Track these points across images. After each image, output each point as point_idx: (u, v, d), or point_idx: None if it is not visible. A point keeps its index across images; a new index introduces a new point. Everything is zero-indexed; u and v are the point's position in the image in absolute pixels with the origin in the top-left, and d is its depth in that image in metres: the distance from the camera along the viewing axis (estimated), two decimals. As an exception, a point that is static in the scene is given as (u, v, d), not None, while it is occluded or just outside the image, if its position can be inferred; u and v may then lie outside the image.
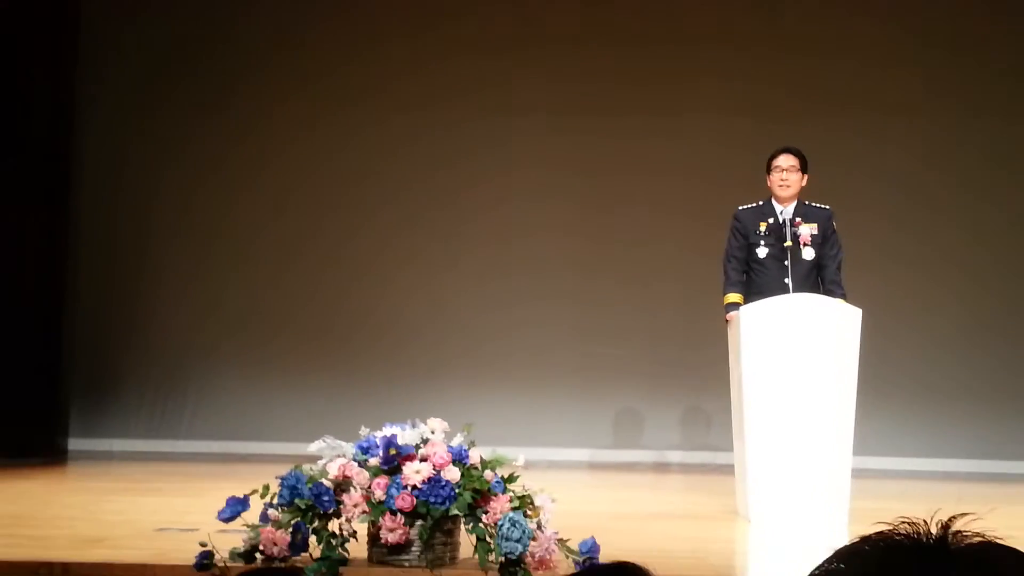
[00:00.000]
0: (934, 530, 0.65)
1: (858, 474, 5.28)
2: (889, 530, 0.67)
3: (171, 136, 8.55)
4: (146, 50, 8.61)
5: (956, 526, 0.65)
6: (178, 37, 8.59)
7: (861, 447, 5.27)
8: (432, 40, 8.50)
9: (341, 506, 3.47)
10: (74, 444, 8.39)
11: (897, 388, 7.78)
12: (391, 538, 3.44)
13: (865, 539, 0.67)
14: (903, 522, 0.67)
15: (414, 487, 3.43)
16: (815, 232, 5.47)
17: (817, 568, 0.67)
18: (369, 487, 3.47)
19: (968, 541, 0.64)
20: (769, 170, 5.57)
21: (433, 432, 3.59)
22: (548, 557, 3.44)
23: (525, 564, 3.42)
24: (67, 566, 3.60)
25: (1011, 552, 0.63)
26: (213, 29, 8.62)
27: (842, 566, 0.65)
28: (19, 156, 8.00)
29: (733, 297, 5.44)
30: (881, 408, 6.99)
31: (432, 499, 3.42)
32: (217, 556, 3.46)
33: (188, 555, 3.49)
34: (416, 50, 8.51)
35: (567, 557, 3.46)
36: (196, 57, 8.59)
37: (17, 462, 7.47)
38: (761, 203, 5.57)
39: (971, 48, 8.43)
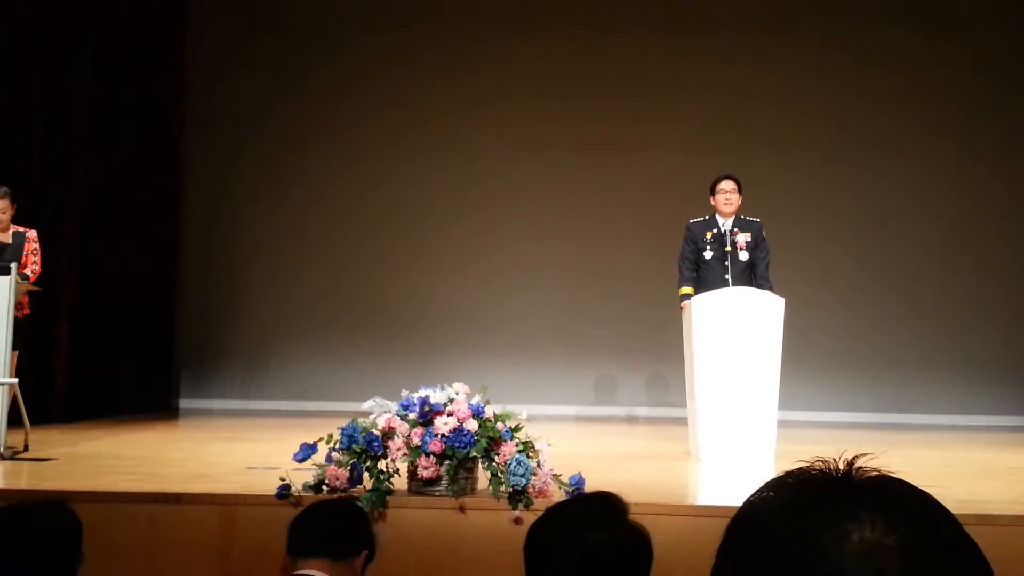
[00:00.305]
0: (841, 466, 0.66)
1: (783, 424, 5.27)
2: (807, 466, 0.68)
3: (262, 156, 8.51)
4: (248, 80, 8.55)
5: (858, 463, 0.66)
6: (275, 69, 8.57)
7: (785, 403, 5.28)
8: (465, 92, 8.46)
9: (387, 450, 3.50)
10: (184, 403, 8.41)
11: (813, 357, 7.76)
12: (425, 474, 3.47)
13: (788, 473, 0.67)
14: (818, 460, 0.68)
15: (443, 435, 3.46)
16: (749, 239, 5.47)
17: (751, 495, 0.68)
18: (409, 435, 3.50)
19: (867, 474, 0.65)
20: (714, 192, 5.55)
21: (457, 393, 3.61)
22: (545, 488, 3.46)
23: (528, 493, 3.45)
24: (179, 495, 3.63)
25: (900, 481, 0.65)
26: (303, 60, 8.56)
27: (771, 494, 0.66)
28: (139, 167, 7.97)
29: (686, 289, 5.43)
30: (801, 372, 6.97)
31: (457, 444, 3.44)
32: (293, 488, 3.50)
33: (271, 487, 3.52)
34: (447, 100, 8.48)
35: (560, 488, 3.49)
36: (287, 88, 8.54)
37: (141, 417, 7.49)
38: (707, 217, 5.57)
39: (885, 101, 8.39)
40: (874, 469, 0.65)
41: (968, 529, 0.65)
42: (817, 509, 0.61)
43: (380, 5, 8.54)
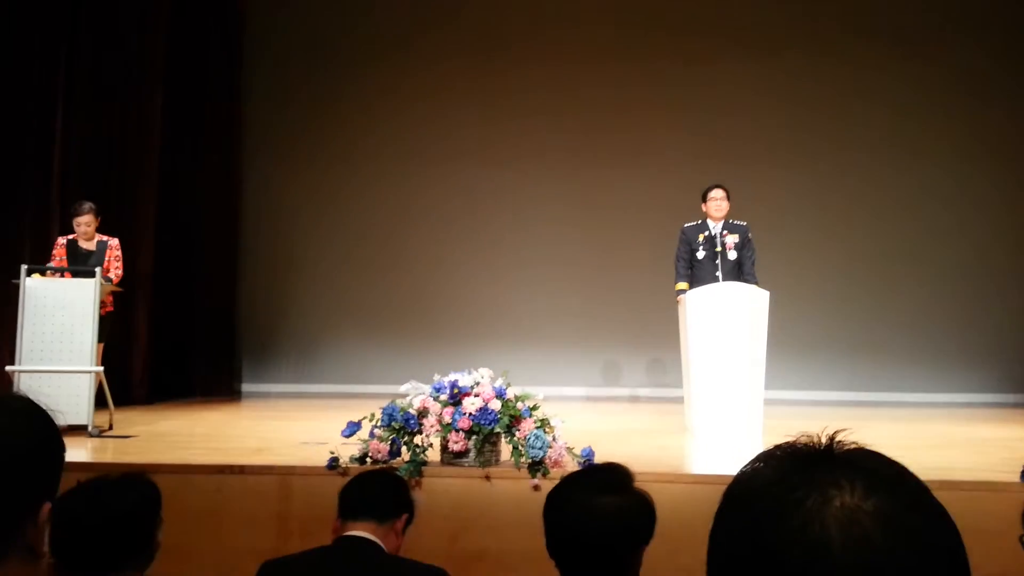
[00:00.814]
0: (824, 440, 0.66)
1: (769, 403, 5.24)
2: (793, 440, 0.67)
3: (312, 167, 8.54)
4: (297, 97, 8.58)
5: (839, 437, 0.66)
6: (322, 89, 8.58)
7: (771, 383, 5.25)
8: (494, 110, 8.45)
9: (422, 427, 3.52)
10: (245, 387, 8.44)
11: (797, 342, 7.71)
12: (455, 447, 3.49)
13: (777, 446, 0.67)
14: (803, 435, 0.67)
15: (470, 414, 3.47)
16: (737, 241, 5.45)
17: (744, 466, 0.68)
18: (440, 414, 3.51)
19: (847, 447, 0.65)
20: (705, 199, 5.53)
21: (482, 377, 3.63)
22: (560, 459, 3.47)
23: (545, 464, 3.45)
24: (242, 467, 3.65)
25: (876, 453, 0.65)
26: (348, 83, 8.58)
27: (761, 465, 0.66)
28: (203, 179, 8.04)
29: (682, 285, 5.43)
30: (786, 355, 6.95)
31: (482, 421, 3.46)
32: (341, 460, 3.52)
33: (321, 460, 3.55)
34: (478, 116, 8.49)
35: (573, 459, 3.49)
36: (334, 107, 8.55)
37: (208, 399, 7.58)
38: (700, 221, 5.55)
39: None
40: (853, 442, 0.65)
41: (935, 494, 0.65)
42: (802, 478, 0.61)
43: (414, 39, 8.55)
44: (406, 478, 3.34)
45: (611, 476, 1.50)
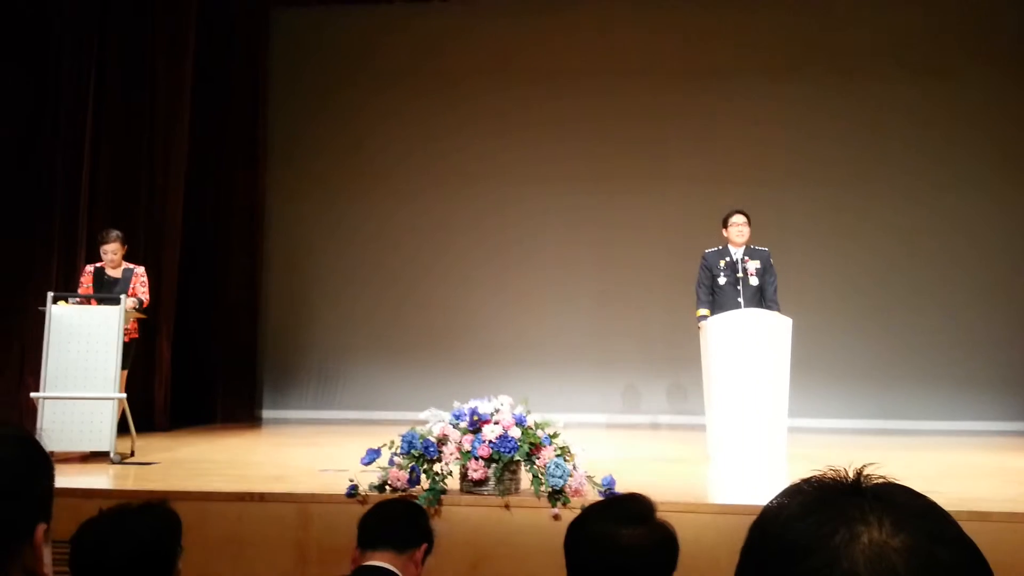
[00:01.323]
0: (851, 474, 0.65)
1: (793, 430, 5.18)
2: (820, 474, 0.66)
3: (332, 196, 8.63)
4: (326, 115, 8.68)
5: (866, 471, 0.65)
6: (342, 117, 8.66)
7: (796, 411, 5.19)
8: (508, 133, 8.50)
9: (442, 454, 3.50)
10: (266, 413, 8.45)
11: (822, 368, 7.61)
12: (475, 476, 3.46)
13: (804, 480, 0.66)
14: (829, 468, 0.67)
15: (490, 441, 3.45)
16: (759, 267, 5.41)
17: (771, 500, 0.67)
18: (460, 442, 3.50)
19: (874, 481, 0.64)
20: (726, 225, 5.51)
21: (502, 404, 3.61)
22: (581, 488, 3.43)
23: (565, 492, 3.42)
24: (263, 495, 3.65)
25: (904, 487, 0.64)
26: (364, 110, 8.66)
27: (788, 499, 0.65)
28: (224, 207, 8.14)
29: (703, 311, 5.38)
30: (811, 382, 6.86)
31: (502, 449, 3.44)
32: (360, 488, 3.51)
33: (341, 487, 3.55)
34: (491, 140, 8.55)
35: (593, 488, 3.46)
36: (353, 137, 8.63)
37: (229, 425, 7.60)
38: (721, 248, 5.52)
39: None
40: (880, 476, 0.64)
41: (964, 525, 0.64)
42: (830, 513, 0.60)
43: (433, 60, 8.64)
44: (425, 507, 3.32)
45: (633, 507, 1.48)
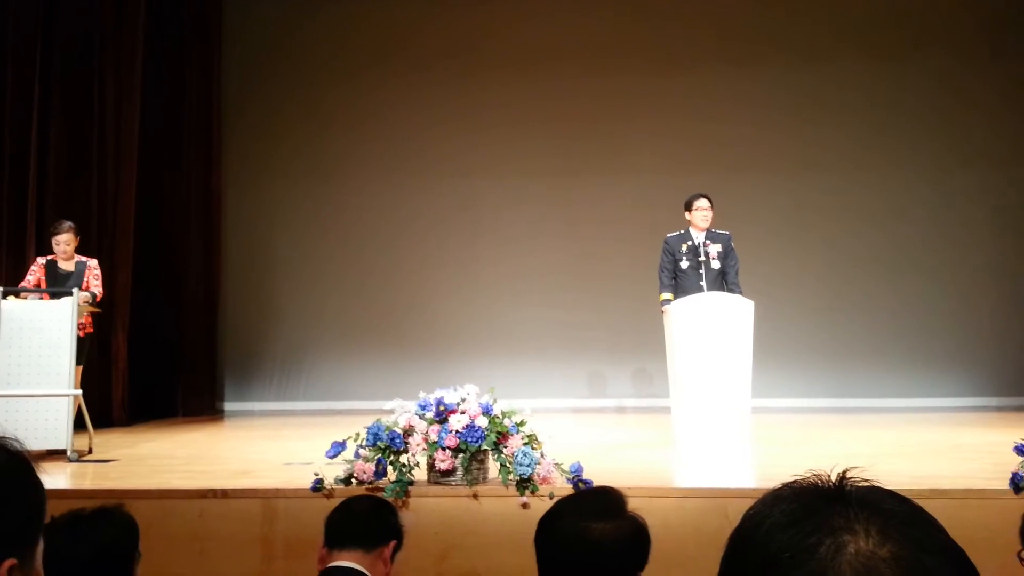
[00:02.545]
0: (834, 479, 0.63)
1: (756, 411, 5.23)
2: (802, 479, 0.64)
3: (292, 183, 8.49)
4: (278, 112, 8.52)
5: (849, 475, 0.63)
6: (303, 104, 8.52)
7: (758, 391, 5.24)
8: (472, 123, 8.42)
9: (408, 446, 3.47)
10: (227, 406, 8.33)
11: (782, 350, 7.71)
12: (442, 466, 3.44)
13: (785, 486, 0.63)
14: (811, 473, 0.64)
15: (457, 431, 3.43)
16: (720, 250, 5.44)
17: (751, 508, 0.63)
18: (426, 432, 3.47)
19: (859, 486, 0.62)
20: (690, 208, 5.52)
21: (468, 394, 3.59)
22: (549, 475, 3.43)
23: (533, 480, 3.42)
24: (225, 491, 3.59)
25: (890, 493, 0.62)
26: (328, 97, 8.52)
27: (769, 507, 0.62)
28: (180, 195, 7.97)
29: (666, 295, 5.39)
30: (771, 364, 6.94)
31: (469, 439, 3.42)
32: (326, 481, 3.47)
33: (306, 481, 3.50)
34: (455, 130, 8.47)
35: (561, 475, 3.46)
36: (314, 122, 8.50)
37: (190, 419, 7.48)
38: (682, 232, 5.53)
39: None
40: (864, 480, 0.62)
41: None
42: (814, 522, 0.58)
43: (395, 52, 8.52)
44: (392, 499, 3.29)
45: (604, 501, 1.47)
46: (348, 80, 8.53)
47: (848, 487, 0.62)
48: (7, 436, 0.93)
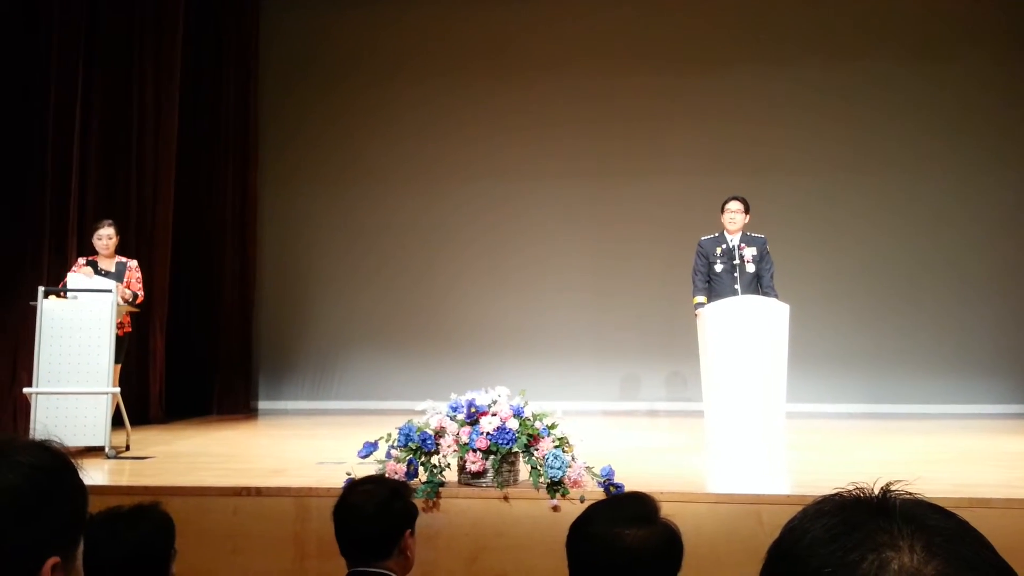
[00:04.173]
0: (877, 492, 0.61)
1: (790, 416, 5.16)
2: (844, 492, 0.61)
3: (327, 186, 8.57)
4: (313, 116, 8.61)
5: (894, 487, 0.61)
6: (338, 108, 8.58)
7: (792, 396, 5.17)
8: (507, 126, 8.43)
9: (439, 447, 3.48)
10: (262, 404, 8.42)
11: (818, 354, 7.60)
12: (473, 468, 3.44)
13: (826, 499, 0.61)
14: (854, 486, 0.62)
15: (488, 433, 3.43)
16: (755, 253, 5.36)
17: (791, 521, 0.61)
18: (458, 434, 3.47)
19: (903, 501, 0.59)
20: (723, 211, 5.46)
21: (500, 396, 3.59)
22: (579, 479, 3.42)
23: (564, 484, 3.40)
24: (259, 489, 3.62)
25: (936, 507, 0.59)
26: (362, 101, 8.57)
27: (811, 521, 0.59)
28: (218, 198, 8.09)
29: (700, 299, 5.34)
30: (806, 369, 6.85)
31: (500, 441, 3.41)
32: (358, 482, 3.48)
33: (338, 480, 3.49)
34: (490, 132, 8.48)
35: (592, 479, 3.44)
36: (348, 127, 8.56)
37: (225, 417, 7.57)
38: (717, 234, 5.47)
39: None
40: (908, 494, 0.59)
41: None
42: (857, 537, 0.56)
43: (428, 55, 8.56)
44: (422, 499, 3.30)
45: (638, 507, 1.45)
46: (381, 83, 8.59)
47: (892, 500, 0.60)
48: (51, 438, 0.95)
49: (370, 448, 3.55)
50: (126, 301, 5.35)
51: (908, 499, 0.59)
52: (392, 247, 8.55)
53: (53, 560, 0.87)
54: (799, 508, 0.61)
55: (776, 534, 0.62)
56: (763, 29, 8.34)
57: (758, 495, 3.53)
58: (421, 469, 3.46)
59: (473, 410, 3.48)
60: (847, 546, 0.55)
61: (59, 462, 0.93)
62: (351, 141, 8.61)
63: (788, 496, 3.50)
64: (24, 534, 0.86)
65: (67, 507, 0.92)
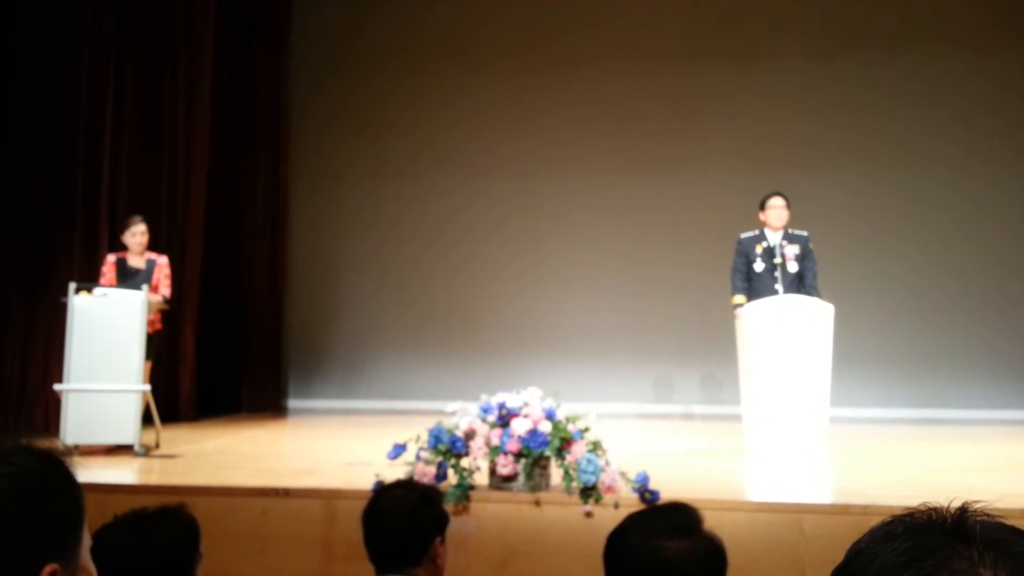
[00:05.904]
0: (953, 512, 0.56)
1: (835, 420, 5.05)
2: (916, 512, 0.57)
3: (358, 184, 8.60)
4: (344, 114, 8.63)
5: (971, 509, 0.56)
6: (368, 106, 8.61)
7: (836, 400, 5.05)
8: (538, 123, 8.38)
9: (469, 449, 3.45)
10: (292, 403, 8.47)
11: (863, 357, 7.45)
12: (504, 471, 3.41)
13: (897, 519, 0.56)
14: (927, 506, 0.57)
15: (519, 436, 3.39)
16: (797, 252, 5.25)
17: (859, 543, 0.56)
18: (488, 436, 3.44)
19: (983, 523, 0.55)
20: (764, 208, 5.35)
21: (531, 398, 3.55)
22: (614, 484, 3.37)
23: (597, 489, 3.35)
24: (287, 490, 3.63)
25: (1015, 530, 0.54)
26: (392, 97, 8.59)
27: (878, 544, 0.55)
28: (249, 195, 8.16)
29: (739, 299, 5.23)
30: (851, 372, 6.70)
31: (532, 444, 3.37)
32: (387, 483, 3.46)
33: (367, 482, 3.49)
34: (519, 130, 8.45)
35: (627, 484, 3.39)
36: (379, 125, 8.58)
37: (255, 416, 7.63)
38: (757, 232, 5.35)
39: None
40: (986, 514, 0.54)
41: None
42: (932, 564, 0.51)
43: (458, 53, 8.55)
44: (452, 503, 3.27)
45: (679, 518, 1.40)
46: (412, 79, 8.59)
47: (971, 522, 0.55)
48: (56, 444, 0.92)
49: (399, 450, 3.54)
50: (160, 309, 5.42)
51: (989, 521, 0.54)
52: (424, 245, 8.54)
53: (51, 567, 0.85)
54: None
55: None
56: (802, 24, 8.19)
57: (799, 504, 3.44)
58: (451, 472, 3.43)
59: (504, 412, 3.44)
60: (921, 573, 0.50)
61: (44, 465, 0.90)
62: (382, 137, 8.62)
63: (831, 505, 3.40)
64: (15, 546, 0.84)
65: (57, 511, 0.89)
